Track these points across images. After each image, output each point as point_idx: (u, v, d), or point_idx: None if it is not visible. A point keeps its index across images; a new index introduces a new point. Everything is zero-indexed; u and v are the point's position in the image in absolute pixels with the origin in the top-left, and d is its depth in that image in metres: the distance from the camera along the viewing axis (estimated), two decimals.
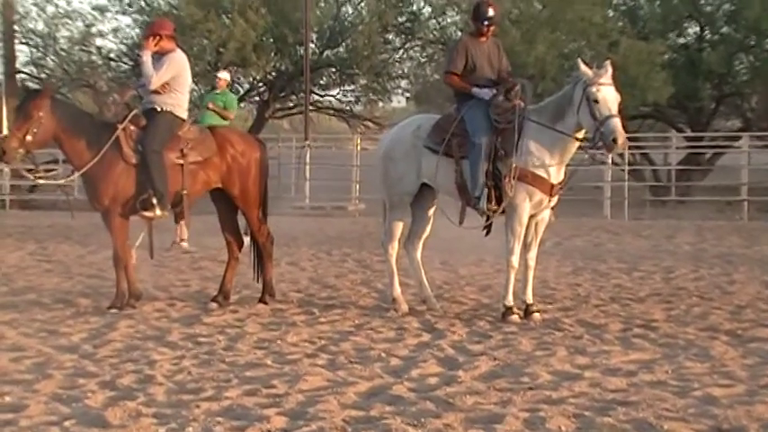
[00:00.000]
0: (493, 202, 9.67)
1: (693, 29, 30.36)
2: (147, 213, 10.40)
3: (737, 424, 6.11)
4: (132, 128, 10.35)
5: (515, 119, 9.67)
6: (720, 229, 19.59)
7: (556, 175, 9.70)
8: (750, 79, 30.02)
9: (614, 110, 9.32)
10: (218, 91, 16.59)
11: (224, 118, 15.43)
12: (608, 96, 9.33)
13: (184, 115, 10.67)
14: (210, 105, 15.81)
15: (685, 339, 8.76)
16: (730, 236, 18.32)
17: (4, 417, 6.38)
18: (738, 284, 12.10)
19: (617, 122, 9.27)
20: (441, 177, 10.03)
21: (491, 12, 10.26)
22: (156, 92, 10.44)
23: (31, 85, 30.49)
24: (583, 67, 9.55)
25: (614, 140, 9.19)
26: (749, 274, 13.01)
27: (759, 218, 22.13)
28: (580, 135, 9.61)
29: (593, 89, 9.34)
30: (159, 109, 10.45)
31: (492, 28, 10.27)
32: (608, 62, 9.70)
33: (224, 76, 16.97)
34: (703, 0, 29.54)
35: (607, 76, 9.44)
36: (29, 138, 10.13)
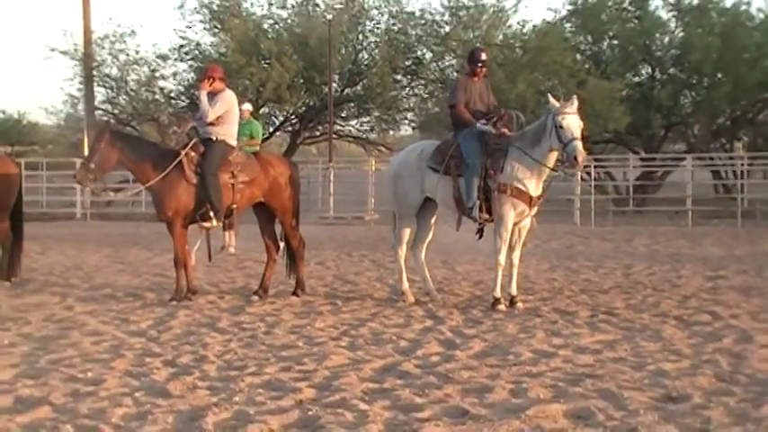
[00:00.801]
0: (484, 212, 9.67)
1: (646, 70, 30.32)
2: (205, 224, 10.45)
3: (684, 392, 6.09)
4: (193, 154, 10.38)
5: (502, 144, 9.70)
6: (670, 234, 19.52)
7: (535, 189, 9.69)
8: (693, 111, 29.99)
9: (576, 134, 9.30)
10: (243, 121, 15.64)
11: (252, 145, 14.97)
12: (571, 123, 9.33)
13: (234, 143, 10.68)
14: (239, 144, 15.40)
15: (641, 324, 8.73)
16: (678, 239, 18.25)
17: (87, 389, 6.39)
18: (685, 278, 12.05)
19: (578, 144, 9.26)
20: (441, 192, 10.03)
21: (483, 56, 10.33)
22: (211, 124, 10.47)
23: (102, 120, 30.66)
24: (552, 100, 9.58)
25: (575, 158, 9.22)
26: (694, 270, 12.95)
27: (701, 224, 22.05)
28: (551, 162, 9.58)
29: (560, 117, 9.36)
30: (214, 138, 10.47)
31: (484, 70, 10.30)
32: (575, 96, 9.71)
33: (247, 107, 16.06)
34: (654, 46, 29.49)
35: (572, 107, 9.44)
36: (93, 165, 10.27)
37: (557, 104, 9.45)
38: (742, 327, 8.48)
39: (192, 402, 6.00)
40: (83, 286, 11.80)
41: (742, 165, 24.92)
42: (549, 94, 9.89)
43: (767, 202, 24.65)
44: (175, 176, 10.26)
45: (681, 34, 29.36)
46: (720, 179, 29.77)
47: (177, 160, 10.26)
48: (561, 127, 9.31)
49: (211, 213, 10.27)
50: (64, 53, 31.40)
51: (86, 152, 13.00)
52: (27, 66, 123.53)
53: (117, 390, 6.36)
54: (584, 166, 24.47)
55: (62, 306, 10.19)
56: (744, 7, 29.04)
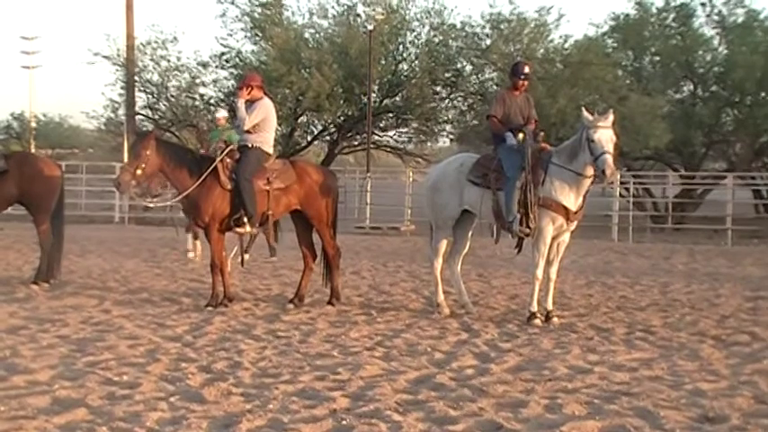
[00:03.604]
0: (524, 226, 9.64)
1: (688, 87, 30.09)
2: (239, 230, 10.50)
3: (721, 413, 6.03)
4: (228, 160, 10.45)
5: (542, 158, 9.68)
6: (709, 252, 19.33)
7: (573, 204, 9.66)
8: (734, 129, 29.73)
9: (607, 147, 9.27)
10: (220, 128, 15.52)
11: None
12: (602, 137, 9.31)
13: (270, 150, 10.74)
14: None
15: (678, 342, 8.66)
16: (717, 258, 18.07)
17: (123, 392, 6.45)
18: (723, 298, 11.93)
19: (607, 158, 9.23)
20: (481, 205, 10.02)
21: (527, 69, 10.34)
22: (248, 131, 10.55)
23: (143, 126, 30.90)
24: (585, 113, 9.55)
25: (603, 172, 9.20)
26: (732, 289, 12.82)
27: (741, 243, 21.82)
28: (589, 173, 9.54)
29: (592, 131, 9.34)
30: (250, 145, 10.54)
31: (526, 83, 10.29)
32: (610, 110, 9.69)
33: (222, 114, 16.01)
34: (696, 63, 29.27)
35: (605, 121, 9.41)
36: (138, 172, 10.29)
37: (590, 118, 9.43)
38: None
39: (226, 409, 6.03)
40: (120, 290, 11.90)
41: None
42: (583, 108, 9.85)
43: None
44: (211, 183, 10.34)
45: (724, 52, 29.11)
46: (761, 198, 29.46)
47: (212, 166, 10.33)
48: (593, 141, 9.30)
49: (245, 219, 10.33)
50: (107, 58, 31.74)
51: (126, 157, 13.07)
52: (69, 70, 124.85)
53: (152, 394, 6.41)
54: (623, 182, 24.62)
55: (99, 309, 10.28)
56: None
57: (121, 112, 32.49)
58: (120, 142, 33.40)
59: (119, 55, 31.61)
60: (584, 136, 9.40)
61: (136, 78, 31.51)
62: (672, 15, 29.71)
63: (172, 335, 8.75)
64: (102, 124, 34.63)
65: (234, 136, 15.36)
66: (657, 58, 29.51)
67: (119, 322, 9.40)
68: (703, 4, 29.32)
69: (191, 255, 15.61)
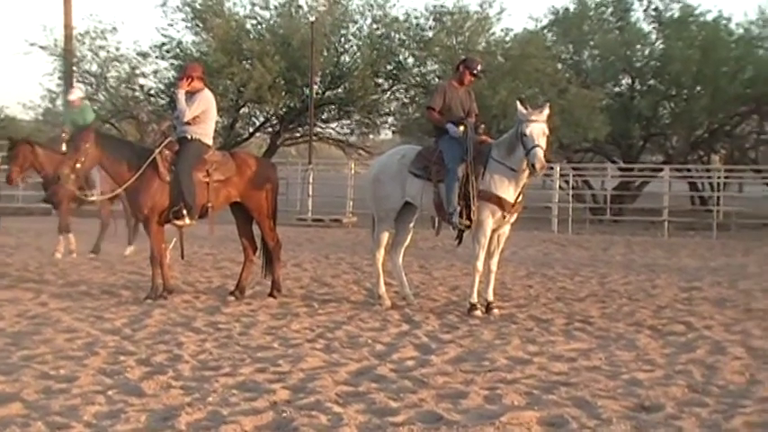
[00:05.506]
0: (464, 218, 9.67)
1: (627, 80, 30.43)
2: (178, 222, 10.40)
3: (657, 402, 6.12)
4: (167, 152, 10.35)
5: (483, 150, 9.72)
6: (646, 244, 19.61)
7: (512, 196, 9.71)
8: (672, 122, 30.12)
9: (538, 141, 9.30)
10: (75, 109, 15.15)
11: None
12: (534, 131, 9.36)
13: (210, 142, 10.67)
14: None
15: (616, 332, 8.76)
16: (654, 249, 18.34)
17: (60, 386, 6.36)
18: (660, 288, 12.11)
19: (538, 151, 9.27)
20: (422, 197, 10.03)
21: (480, 67, 10.38)
22: (187, 123, 10.45)
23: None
24: (520, 107, 9.60)
25: (533, 165, 9.26)
26: (669, 280, 13.02)
27: (677, 235, 22.16)
28: (525, 168, 9.58)
29: (524, 125, 9.39)
30: (190, 137, 10.45)
31: (473, 79, 10.31)
32: (546, 104, 9.76)
33: (77, 94, 15.66)
34: (635, 57, 29.62)
35: (539, 115, 9.45)
36: (78, 165, 10.19)
37: (524, 112, 9.48)
38: (715, 338, 8.53)
39: (165, 402, 5.97)
40: (57, 282, 11.73)
41: (718, 177, 25.04)
42: (518, 101, 9.89)
43: (742, 214, 24.83)
44: (150, 175, 10.23)
45: (661, 46, 29.50)
46: (697, 191, 29.93)
47: (151, 158, 10.23)
48: (525, 135, 9.36)
49: (185, 211, 10.24)
50: (44, 48, 31.19)
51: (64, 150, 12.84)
52: (5, 61, 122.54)
53: (90, 387, 6.32)
54: (563, 174, 24.83)
55: (36, 302, 10.12)
56: (724, 21, 29.27)
57: (60, 102, 31.96)
58: (58, 133, 32.87)
59: (56, 45, 31.10)
60: (519, 130, 9.46)
61: (74, 69, 31.01)
62: (610, 10, 30.06)
63: (110, 328, 8.65)
64: (40, 115, 34.05)
65: (90, 116, 15.00)
66: (597, 52, 29.80)
67: (56, 315, 9.26)
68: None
69: (58, 255, 14.65)
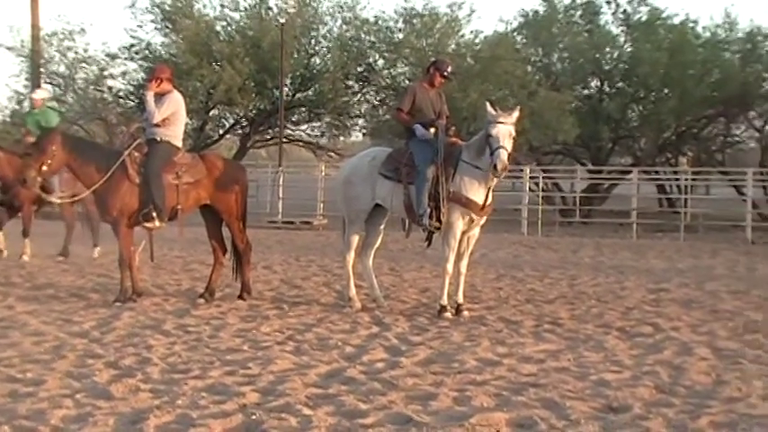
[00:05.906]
0: (434, 220, 9.69)
1: (596, 83, 30.63)
2: (147, 224, 10.35)
3: (624, 403, 6.16)
4: (136, 154, 10.30)
5: (453, 152, 9.74)
6: (615, 246, 19.74)
7: (482, 198, 9.73)
8: (640, 125, 30.35)
9: (503, 143, 9.32)
10: (36, 110, 14.96)
11: None
12: (500, 132, 9.38)
13: (179, 144, 10.63)
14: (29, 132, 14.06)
15: (585, 334, 8.82)
16: (622, 251, 18.46)
17: (27, 389, 6.31)
18: (628, 290, 12.19)
19: (501, 153, 9.30)
20: (392, 199, 10.04)
21: (450, 69, 10.38)
22: (156, 125, 10.40)
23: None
24: (488, 108, 9.64)
25: (495, 166, 9.29)
26: (637, 282, 13.11)
27: (645, 237, 22.31)
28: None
29: (491, 126, 9.42)
30: (159, 139, 10.40)
31: (444, 81, 10.32)
32: (517, 107, 9.80)
33: (41, 95, 15.39)
34: (604, 60, 29.82)
35: (506, 117, 9.47)
36: (44, 168, 10.12)
37: (493, 113, 9.51)
38: (682, 339, 8.61)
39: (133, 405, 5.94)
40: (25, 285, 11.63)
41: (686, 179, 25.26)
42: (487, 103, 9.92)
43: (709, 216, 25.04)
44: (119, 177, 10.18)
45: (630, 49, 29.72)
46: (665, 193, 30.16)
47: (120, 161, 10.18)
48: (491, 135, 9.39)
49: (154, 213, 10.19)
50: (10, 49, 30.96)
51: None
52: None
53: (57, 391, 6.28)
54: (532, 177, 24.93)
55: (2, 305, 10.03)
56: (691, 25, 29.54)
57: (27, 104, 31.67)
58: (24, 135, 32.60)
59: (23, 46, 30.88)
60: (486, 131, 9.50)
61: (42, 70, 30.77)
62: (579, 13, 30.26)
63: (78, 331, 8.59)
64: (7, 117, 33.74)
65: (53, 119, 14.73)
66: (566, 55, 29.97)
67: (23, 318, 9.18)
68: (608, 2, 29.95)
69: (25, 258, 14.43)
